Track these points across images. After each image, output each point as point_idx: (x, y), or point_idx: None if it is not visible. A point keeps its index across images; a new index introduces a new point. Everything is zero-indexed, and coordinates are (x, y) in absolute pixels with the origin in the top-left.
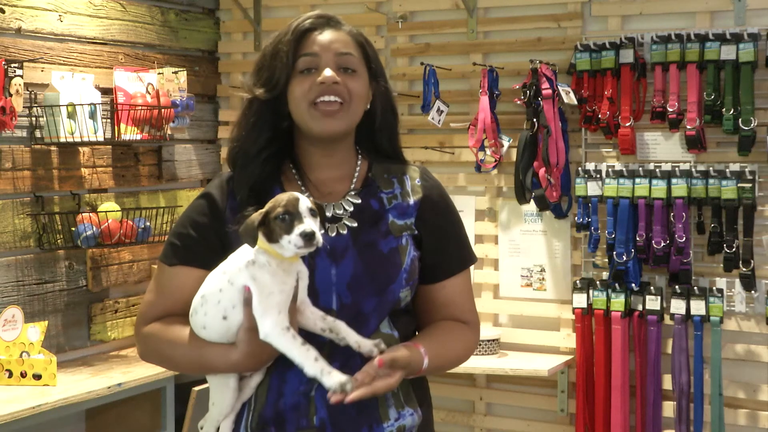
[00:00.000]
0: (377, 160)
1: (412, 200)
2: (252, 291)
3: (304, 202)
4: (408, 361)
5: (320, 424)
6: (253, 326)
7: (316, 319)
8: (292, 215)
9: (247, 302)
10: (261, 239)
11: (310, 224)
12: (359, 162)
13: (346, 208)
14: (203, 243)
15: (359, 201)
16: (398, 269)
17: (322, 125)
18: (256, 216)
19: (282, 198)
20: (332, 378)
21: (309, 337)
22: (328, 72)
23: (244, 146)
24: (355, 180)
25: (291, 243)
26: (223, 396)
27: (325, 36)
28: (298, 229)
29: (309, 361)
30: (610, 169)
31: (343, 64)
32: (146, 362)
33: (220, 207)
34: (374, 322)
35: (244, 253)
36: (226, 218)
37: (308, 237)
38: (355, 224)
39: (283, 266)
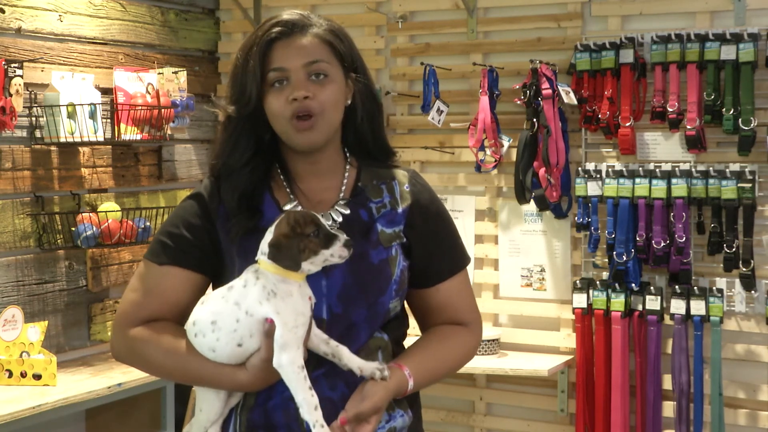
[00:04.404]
0: (365, 164)
1: (400, 208)
2: (276, 324)
3: (318, 216)
4: (378, 405)
5: (309, 427)
6: (272, 357)
7: (319, 342)
8: (321, 229)
9: (269, 335)
10: (276, 265)
11: (341, 233)
12: (347, 168)
13: (335, 218)
14: (197, 245)
15: (348, 212)
16: (388, 281)
17: (303, 139)
18: (286, 240)
19: (296, 216)
20: None
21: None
22: (299, 90)
23: (229, 162)
24: (343, 189)
25: (335, 255)
26: (211, 403)
27: (292, 46)
28: (339, 240)
29: (309, 407)
30: (610, 169)
31: (313, 71)
32: (120, 362)
33: (211, 210)
34: (365, 333)
35: (258, 283)
36: (217, 223)
37: (351, 245)
38: (348, 237)
39: (302, 290)
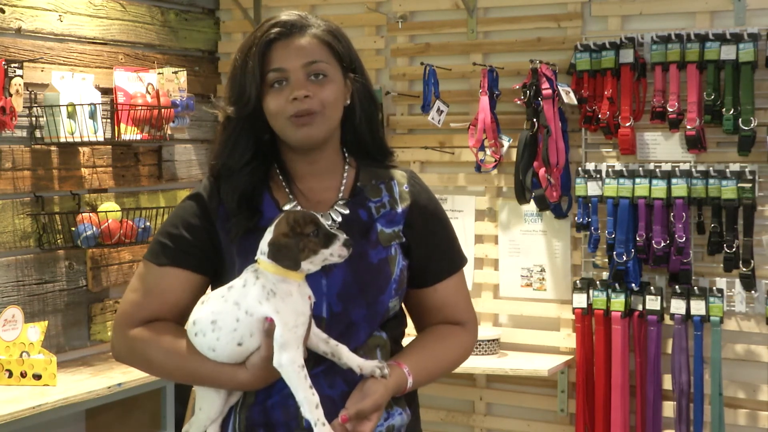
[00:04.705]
0: (364, 165)
1: (400, 208)
2: (276, 323)
3: (317, 216)
4: (378, 403)
5: (309, 426)
6: (272, 356)
7: (318, 341)
8: (321, 229)
9: (269, 334)
10: (275, 264)
11: (341, 233)
12: (346, 168)
13: (335, 218)
14: (197, 246)
15: (347, 211)
16: (388, 280)
17: (302, 134)
18: (286, 239)
19: (296, 216)
20: (324, 431)
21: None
22: (299, 90)
23: (228, 162)
24: (342, 189)
25: (334, 255)
26: (211, 402)
27: (291, 46)
28: (339, 240)
29: (310, 406)
30: (610, 169)
31: (313, 71)
32: (121, 362)
33: (211, 211)
34: (364, 332)
35: (257, 282)
36: (217, 224)
37: (350, 244)
38: (348, 237)
39: (301, 290)
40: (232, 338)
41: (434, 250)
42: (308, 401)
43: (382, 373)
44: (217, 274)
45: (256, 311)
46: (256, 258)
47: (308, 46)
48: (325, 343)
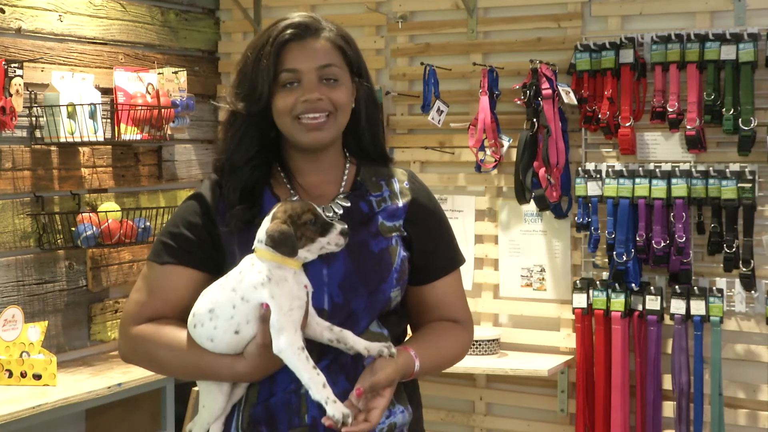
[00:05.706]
0: (365, 164)
1: (401, 203)
2: (271, 308)
3: (314, 205)
4: (391, 378)
5: (312, 422)
6: (268, 343)
7: (322, 330)
8: (318, 218)
9: (264, 319)
10: (272, 252)
11: (338, 222)
12: (347, 165)
13: (336, 210)
14: (197, 243)
15: (348, 204)
16: (389, 269)
17: (310, 138)
18: (284, 227)
19: (294, 206)
20: (336, 408)
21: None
22: (311, 92)
23: (232, 158)
24: (344, 183)
25: (331, 243)
26: (215, 399)
27: (305, 48)
28: (335, 228)
29: (317, 386)
30: (610, 169)
31: (325, 75)
32: (128, 363)
33: (211, 208)
34: (365, 321)
35: (253, 269)
36: (217, 220)
37: (347, 233)
38: (345, 225)
39: (297, 277)
40: (229, 326)
41: (434, 248)
42: (314, 382)
43: (390, 351)
44: (219, 271)
45: (252, 297)
46: (253, 247)
47: (322, 49)
48: (329, 330)
